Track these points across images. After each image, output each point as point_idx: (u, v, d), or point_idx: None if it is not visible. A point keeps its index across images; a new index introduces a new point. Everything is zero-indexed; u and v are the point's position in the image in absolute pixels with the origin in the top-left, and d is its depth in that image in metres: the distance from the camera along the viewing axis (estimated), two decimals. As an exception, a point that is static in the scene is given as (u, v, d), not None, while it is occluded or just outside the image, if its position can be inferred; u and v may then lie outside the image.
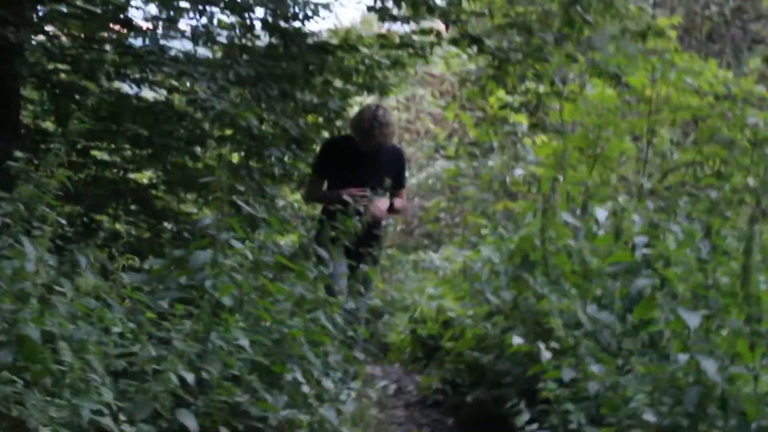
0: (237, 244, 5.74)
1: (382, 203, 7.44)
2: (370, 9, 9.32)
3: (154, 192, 9.47)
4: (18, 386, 3.93)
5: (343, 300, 6.65)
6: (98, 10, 8.75)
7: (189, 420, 4.57)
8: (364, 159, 7.58)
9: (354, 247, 6.68)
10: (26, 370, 4.13)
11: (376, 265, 7.43)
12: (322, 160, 7.80)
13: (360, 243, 6.77)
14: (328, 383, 5.75)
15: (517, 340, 6.10)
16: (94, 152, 9.35)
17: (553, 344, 5.84)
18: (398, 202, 7.82)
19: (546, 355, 5.60)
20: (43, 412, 3.81)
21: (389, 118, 7.58)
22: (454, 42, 9.71)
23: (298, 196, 9.96)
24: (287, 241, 10.16)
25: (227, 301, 5.33)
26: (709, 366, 4.76)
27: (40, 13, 8.97)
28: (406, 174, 8.18)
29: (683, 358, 4.95)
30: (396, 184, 7.53)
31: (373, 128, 7.41)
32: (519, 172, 11.13)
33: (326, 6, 9.14)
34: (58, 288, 4.61)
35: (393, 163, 7.76)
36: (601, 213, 7.55)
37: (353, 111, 10.05)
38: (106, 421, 4.09)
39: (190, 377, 4.63)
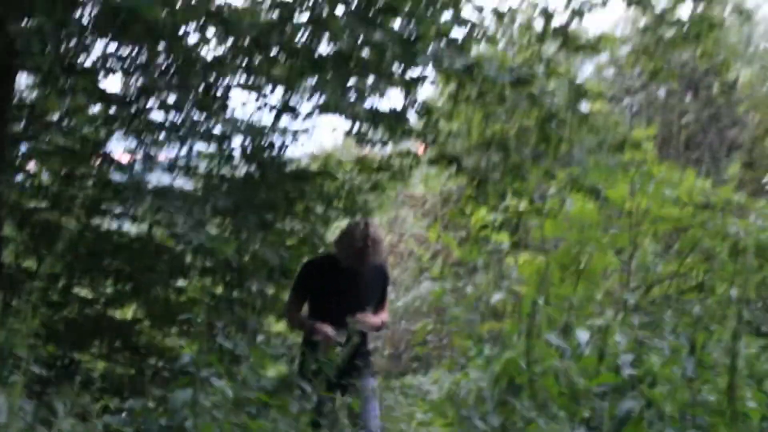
0: (217, 382, 5.65)
1: (367, 317, 7.10)
2: (347, 134, 9.34)
3: (137, 328, 9.37)
4: None
5: None
6: (77, 147, 8.79)
7: None
8: (348, 278, 7.27)
9: (339, 379, 6.46)
10: None
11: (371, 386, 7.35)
12: (302, 281, 7.50)
13: (345, 373, 6.62)
14: None
15: (505, 470, 6.01)
16: (76, 289, 9.29)
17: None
18: (383, 316, 7.51)
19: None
20: None
21: (381, 234, 7.45)
22: (432, 162, 9.75)
23: (282, 326, 9.86)
24: (273, 370, 10.08)
25: (207, 441, 5.24)
26: (700, 489, 4.68)
27: (21, 152, 8.99)
28: (389, 288, 7.93)
29: (674, 482, 4.87)
30: (380, 300, 7.42)
31: (367, 247, 7.12)
32: (497, 296, 11.08)
33: (305, 131, 9.18)
34: (33, 437, 4.53)
35: (379, 279, 7.51)
36: (582, 335, 7.49)
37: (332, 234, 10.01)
38: None
39: None
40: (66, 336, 8.74)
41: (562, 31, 9.51)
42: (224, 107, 9.22)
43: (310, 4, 8.47)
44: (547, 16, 9.40)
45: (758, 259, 10.43)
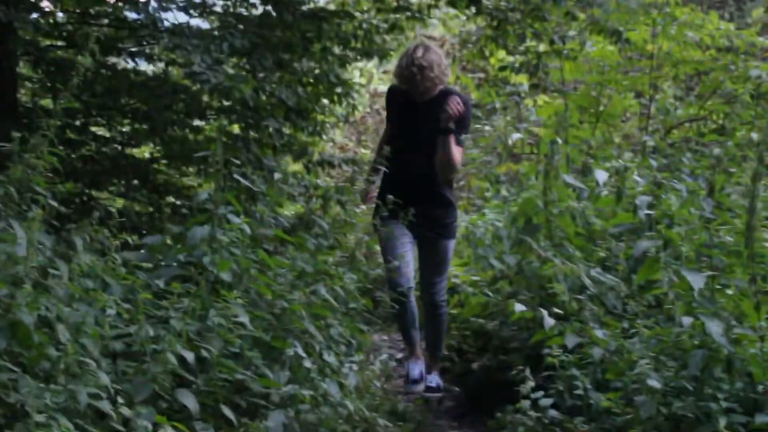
0: (235, 219, 5.68)
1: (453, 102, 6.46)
2: None
3: (154, 167, 9.39)
4: (13, 372, 3.90)
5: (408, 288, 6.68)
6: None
7: (189, 400, 4.53)
8: (416, 109, 6.72)
9: (418, 223, 6.52)
10: (21, 356, 4.10)
11: (449, 239, 6.96)
12: (387, 107, 7.15)
13: (425, 217, 6.61)
14: (330, 357, 5.70)
15: (519, 307, 6.05)
16: (93, 128, 9.30)
17: (557, 310, 5.80)
18: (454, 151, 6.64)
19: (549, 322, 5.56)
20: (39, 397, 3.77)
21: (433, 57, 6.61)
22: (451, 3, 9.58)
23: (299, 165, 9.87)
24: (291, 208, 10.15)
25: (226, 276, 5.29)
26: (714, 328, 4.70)
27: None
28: (467, 128, 6.93)
29: (688, 320, 4.91)
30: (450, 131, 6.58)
31: (414, 75, 6.53)
32: (516, 135, 10.99)
33: None
34: (53, 270, 4.57)
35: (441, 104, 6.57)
36: (601, 174, 7.47)
37: (352, 77, 9.90)
38: (104, 404, 4.05)
39: (189, 356, 4.60)
40: (84, 174, 8.78)
41: None
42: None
43: None
44: None
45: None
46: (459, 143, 6.67)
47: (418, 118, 6.68)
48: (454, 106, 6.40)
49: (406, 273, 6.73)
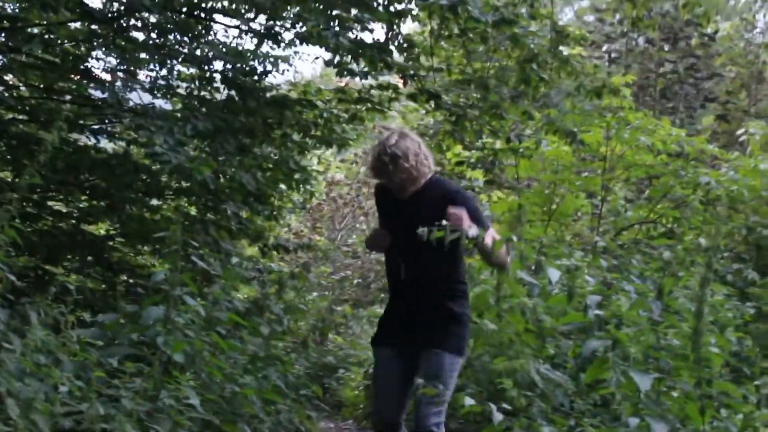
0: (190, 301, 5.70)
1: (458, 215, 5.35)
2: (328, 64, 9.31)
3: (110, 244, 9.39)
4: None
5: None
6: (57, 60, 8.74)
7: (137, 481, 4.53)
8: (400, 208, 5.70)
9: (406, 332, 5.47)
10: (-30, 431, 4.08)
11: (446, 352, 5.45)
12: (377, 208, 6.05)
13: (420, 329, 5.46)
14: None
15: (468, 401, 6.06)
16: (51, 203, 9.30)
17: (506, 405, 5.83)
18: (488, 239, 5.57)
19: (497, 417, 5.57)
20: (-13, 474, 3.76)
21: (409, 145, 5.60)
22: (411, 97, 9.73)
23: (254, 249, 9.91)
24: (245, 294, 10.14)
25: (179, 358, 5.29)
26: (660, 430, 4.77)
27: (0, 63, 8.93)
28: (483, 220, 5.69)
29: (634, 421, 4.97)
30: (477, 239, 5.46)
31: (386, 165, 5.56)
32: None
33: (286, 59, 9.18)
34: (6, 345, 4.56)
35: (438, 205, 5.45)
36: (554, 273, 7.55)
37: (309, 162, 9.96)
38: (52, 482, 4.05)
39: (139, 437, 4.59)
40: (39, 248, 8.75)
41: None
42: (207, 30, 9.24)
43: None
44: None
45: (728, 210, 10.57)
46: (485, 227, 5.58)
47: (404, 218, 5.57)
48: (455, 219, 5.29)
49: (388, 405, 5.56)
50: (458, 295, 5.61)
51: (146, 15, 8.76)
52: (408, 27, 9.75)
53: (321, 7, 8.57)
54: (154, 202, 9.23)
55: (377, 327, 5.72)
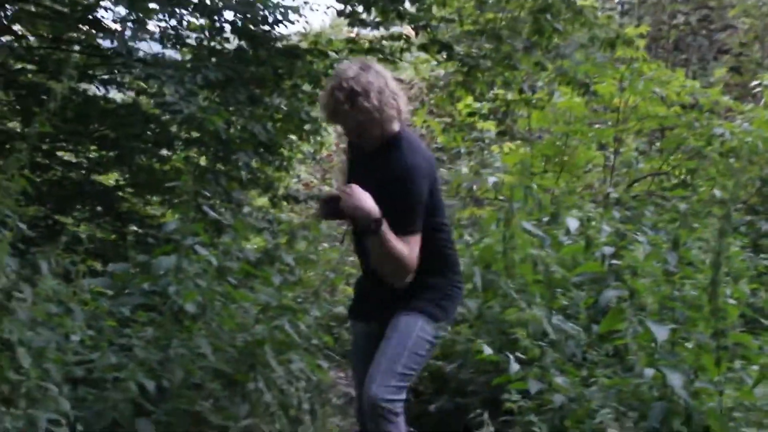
0: (202, 250, 5.68)
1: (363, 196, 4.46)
2: (339, 14, 9.29)
3: (119, 194, 9.38)
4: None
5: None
6: (66, 10, 8.70)
7: (148, 430, 4.52)
8: (363, 164, 4.83)
9: (382, 307, 4.73)
10: (-19, 378, 4.09)
11: (411, 312, 4.69)
12: (347, 158, 5.16)
13: (391, 298, 4.68)
14: (291, 391, 5.70)
15: (487, 349, 6.02)
16: (60, 153, 9.28)
17: (519, 354, 5.82)
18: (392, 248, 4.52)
19: (515, 366, 5.56)
20: (-2, 421, 3.76)
21: (372, 80, 4.52)
22: (423, 48, 9.68)
23: (265, 200, 9.91)
24: (254, 245, 10.15)
25: (190, 307, 5.28)
26: (675, 380, 4.75)
27: (9, 13, 8.91)
28: (411, 206, 4.61)
29: (649, 372, 4.95)
30: (387, 216, 4.47)
31: (339, 103, 4.53)
32: (492, 180, 10.93)
33: (296, 10, 9.14)
34: (18, 294, 4.56)
35: (388, 174, 4.58)
36: (572, 222, 7.51)
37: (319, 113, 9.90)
38: (63, 431, 4.05)
39: (150, 385, 4.60)
40: (49, 198, 8.76)
41: None
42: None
43: None
44: None
45: (743, 162, 10.52)
46: (405, 232, 4.56)
47: (365, 176, 4.67)
48: (350, 206, 4.46)
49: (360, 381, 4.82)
50: (438, 266, 4.79)
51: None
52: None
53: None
54: (164, 152, 9.20)
55: (353, 295, 5.15)
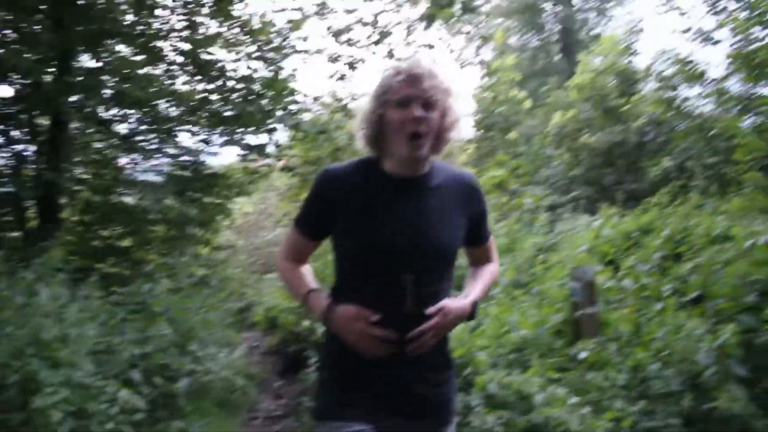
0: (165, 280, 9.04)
1: (453, 304, 3.62)
2: (239, 155, 14.28)
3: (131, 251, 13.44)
4: None
5: None
6: (104, 159, 13.29)
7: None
8: (392, 191, 3.67)
9: (399, 397, 3.64)
10: None
11: (449, 425, 3.78)
12: (311, 206, 3.85)
13: (419, 386, 3.66)
14: (214, 348, 8.56)
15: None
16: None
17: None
18: (489, 270, 3.94)
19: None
20: None
21: (444, 79, 3.62)
22: (281, 170, 15.88)
23: (207, 249, 14.72)
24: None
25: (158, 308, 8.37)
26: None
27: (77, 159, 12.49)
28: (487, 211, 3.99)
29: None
30: (474, 239, 3.85)
31: (420, 78, 3.54)
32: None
33: (217, 154, 14.21)
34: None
35: (463, 202, 3.75)
36: None
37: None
38: None
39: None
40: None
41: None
42: (175, 138, 14.03)
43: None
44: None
45: None
46: (489, 238, 3.99)
47: (407, 212, 3.63)
48: (451, 311, 3.59)
49: None
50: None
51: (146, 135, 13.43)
52: (280, 134, 14.57)
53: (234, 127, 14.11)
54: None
55: (329, 389, 3.78)
